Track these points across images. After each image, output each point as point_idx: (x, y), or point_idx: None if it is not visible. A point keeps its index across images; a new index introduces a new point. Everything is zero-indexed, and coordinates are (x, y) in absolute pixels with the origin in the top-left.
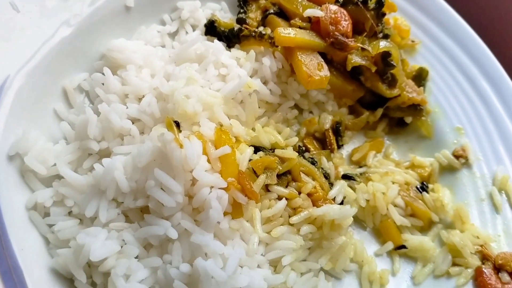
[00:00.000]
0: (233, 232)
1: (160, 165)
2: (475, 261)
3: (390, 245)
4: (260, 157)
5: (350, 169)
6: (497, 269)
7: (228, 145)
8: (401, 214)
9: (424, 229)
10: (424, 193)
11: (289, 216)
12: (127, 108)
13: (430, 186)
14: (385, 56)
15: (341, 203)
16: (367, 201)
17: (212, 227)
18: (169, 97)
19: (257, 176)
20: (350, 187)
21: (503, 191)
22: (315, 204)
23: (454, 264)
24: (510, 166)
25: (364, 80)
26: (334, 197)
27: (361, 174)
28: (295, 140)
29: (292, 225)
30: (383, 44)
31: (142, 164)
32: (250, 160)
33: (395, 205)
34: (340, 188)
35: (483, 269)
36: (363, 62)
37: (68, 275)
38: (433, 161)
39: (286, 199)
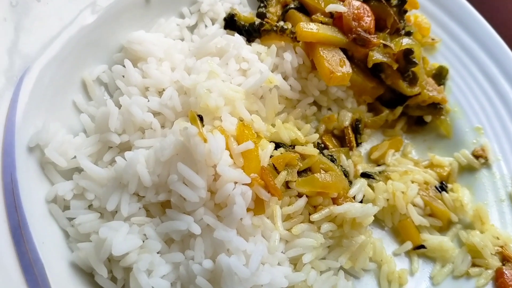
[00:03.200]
0: (255, 229)
1: (183, 159)
2: (495, 262)
3: (409, 245)
4: (281, 153)
5: (368, 167)
6: None
7: (251, 140)
8: (420, 214)
9: (443, 229)
10: (443, 192)
11: (310, 214)
12: (148, 101)
13: (449, 186)
14: (407, 53)
15: (361, 202)
16: (387, 200)
17: (235, 223)
18: (191, 91)
19: (278, 173)
20: (369, 185)
21: None
22: (335, 202)
23: (474, 264)
24: None
25: (385, 78)
26: (354, 196)
27: (380, 172)
28: (315, 136)
29: (312, 222)
30: (405, 41)
31: (165, 158)
32: (271, 156)
33: (414, 205)
34: (360, 186)
35: (504, 270)
36: (385, 59)
37: (88, 270)
38: (452, 160)
39: (307, 196)
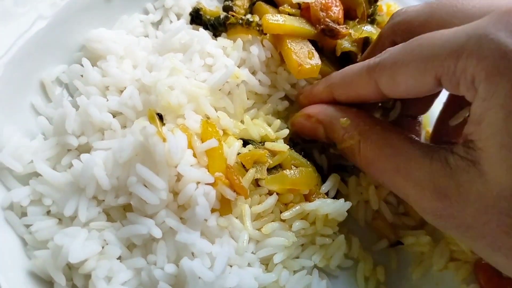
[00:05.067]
0: (222, 230)
1: (143, 160)
2: (474, 255)
3: (386, 241)
4: (249, 150)
5: (343, 160)
6: None
7: (215, 138)
8: (393, 212)
9: (417, 228)
10: None
11: (281, 212)
12: (107, 100)
13: None
14: (366, 42)
15: (335, 197)
16: (360, 194)
17: (199, 225)
18: (152, 89)
19: (246, 171)
20: (343, 180)
21: None
22: (307, 199)
23: (453, 258)
24: None
25: None
26: (328, 191)
27: (354, 166)
28: (286, 132)
29: (283, 221)
30: (366, 29)
31: (123, 160)
32: (238, 153)
33: (387, 203)
34: (333, 181)
35: (483, 262)
36: (353, 48)
37: (47, 278)
38: None
39: (277, 194)
